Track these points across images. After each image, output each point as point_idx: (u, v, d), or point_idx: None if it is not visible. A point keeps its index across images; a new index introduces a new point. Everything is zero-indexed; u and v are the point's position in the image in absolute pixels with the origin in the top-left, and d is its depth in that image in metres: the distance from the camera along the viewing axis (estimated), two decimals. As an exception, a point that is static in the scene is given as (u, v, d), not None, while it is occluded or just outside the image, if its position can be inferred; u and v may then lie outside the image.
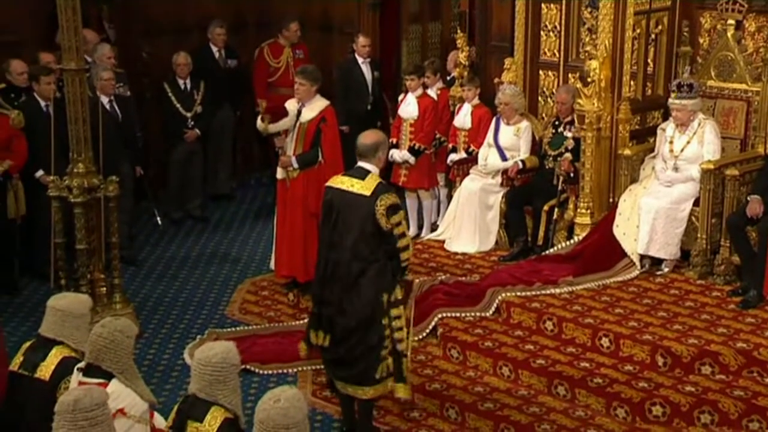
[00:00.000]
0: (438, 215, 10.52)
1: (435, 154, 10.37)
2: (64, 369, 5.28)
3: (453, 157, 10.12)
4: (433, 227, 10.36)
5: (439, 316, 8.27)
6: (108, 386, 4.92)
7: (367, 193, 6.75)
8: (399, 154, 10.16)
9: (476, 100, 10.04)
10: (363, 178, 6.82)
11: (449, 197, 10.35)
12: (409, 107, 10.21)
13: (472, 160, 9.92)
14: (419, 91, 10.19)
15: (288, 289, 9.29)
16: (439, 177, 10.52)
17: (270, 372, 8.05)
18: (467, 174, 9.85)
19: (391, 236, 6.73)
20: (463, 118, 10.04)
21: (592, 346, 7.76)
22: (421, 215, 10.50)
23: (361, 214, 6.75)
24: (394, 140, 10.19)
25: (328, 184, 7.04)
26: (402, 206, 7.04)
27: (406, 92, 10.32)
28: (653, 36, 9.26)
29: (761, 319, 7.83)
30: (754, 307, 7.99)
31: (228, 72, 11.94)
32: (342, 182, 6.92)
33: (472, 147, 9.99)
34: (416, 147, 10.12)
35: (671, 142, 8.71)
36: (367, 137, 7.00)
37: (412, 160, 10.12)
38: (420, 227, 10.43)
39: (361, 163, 6.92)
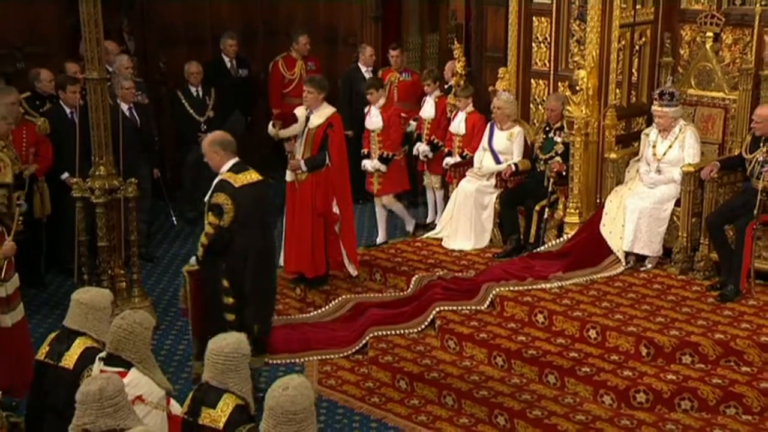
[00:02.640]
0: (436, 214, 10.52)
1: (430, 158, 10.33)
2: (86, 358, 5.29)
3: (448, 160, 10.10)
4: (427, 226, 10.35)
5: (437, 309, 8.27)
6: (127, 375, 4.93)
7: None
8: (371, 164, 9.99)
9: (470, 108, 10.01)
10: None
11: (446, 198, 10.35)
12: (373, 119, 9.99)
13: (467, 163, 9.92)
14: (381, 102, 10.04)
15: (295, 284, 9.29)
16: (434, 179, 10.49)
17: (279, 361, 8.04)
18: (464, 176, 9.86)
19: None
20: (458, 125, 10.03)
21: (580, 338, 7.76)
22: (392, 222, 10.36)
23: None
24: (366, 150, 10.07)
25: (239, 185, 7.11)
26: (221, 208, 7.04)
27: (370, 105, 10.08)
28: (637, 47, 9.26)
29: (738, 312, 7.83)
30: (732, 300, 7.99)
31: (239, 80, 11.94)
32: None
33: (466, 151, 9.97)
34: (385, 155, 9.90)
35: (654, 147, 8.71)
36: (223, 134, 7.34)
37: (383, 168, 9.92)
38: (388, 233, 10.27)
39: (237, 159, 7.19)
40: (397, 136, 10.12)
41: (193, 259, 7.27)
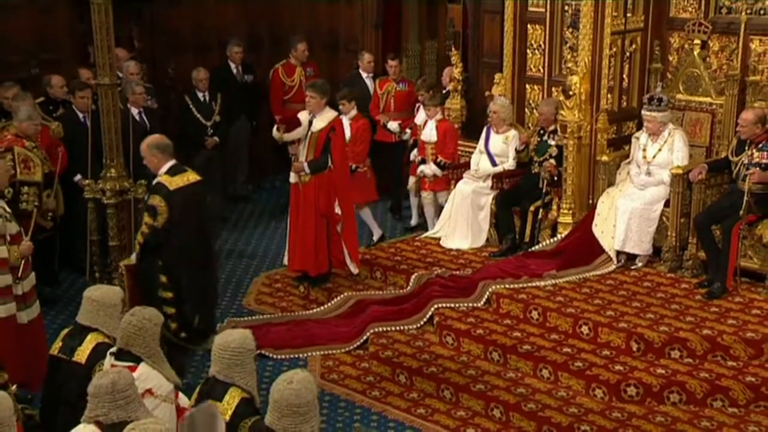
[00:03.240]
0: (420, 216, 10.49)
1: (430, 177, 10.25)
2: (98, 353, 5.32)
3: (423, 168, 10.07)
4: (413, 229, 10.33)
5: (436, 306, 8.28)
6: (137, 369, 4.95)
7: None
8: None
9: (439, 116, 9.98)
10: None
11: (419, 206, 10.32)
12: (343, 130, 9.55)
13: (462, 165, 9.87)
14: (353, 113, 9.90)
15: (299, 282, 9.31)
16: (425, 195, 10.37)
17: (283, 356, 8.07)
18: (461, 178, 9.87)
19: None
20: (429, 133, 10.01)
21: (573, 333, 7.77)
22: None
23: None
24: None
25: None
26: (156, 209, 7.19)
27: (341, 114, 9.67)
28: (628, 54, 9.26)
29: (724, 309, 7.84)
30: (718, 297, 8.00)
31: (244, 86, 11.94)
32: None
33: (440, 158, 9.94)
34: (352, 167, 9.69)
35: (644, 150, 8.72)
36: (160, 137, 7.53)
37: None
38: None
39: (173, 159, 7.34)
40: (363, 148, 9.98)
41: (133, 256, 7.45)
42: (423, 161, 10.16)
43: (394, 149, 11.03)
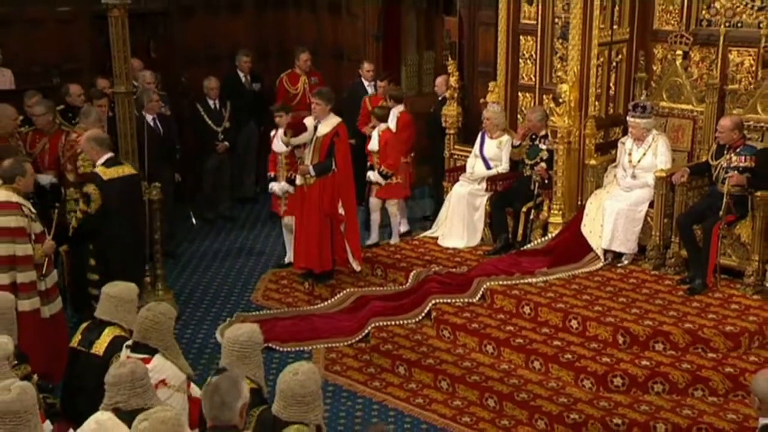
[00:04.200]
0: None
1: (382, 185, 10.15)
2: (115, 346, 5.33)
3: (369, 175, 9.99)
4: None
5: (433, 301, 8.29)
6: (151, 361, 4.96)
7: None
8: (278, 186, 9.50)
9: (383, 126, 9.87)
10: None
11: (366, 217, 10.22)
12: (280, 142, 9.40)
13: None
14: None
15: (304, 278, 9.32)
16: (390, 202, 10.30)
17: (289, 349, 8.08)
18: (457, 180, 9.88)
19: None
20: (374, 142, 9.96)
21: (563, 327, 7.78)
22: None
23: None
24: (272, 174, 9.57)
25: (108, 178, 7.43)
26: (90, 196, 7.41)
27: (276, 128, 9.56)
28: (614, 64, 9.26)
29: (705, 304, 7.85)
30: (699, 293, 8.01)
31: (253, 94, 11.94)
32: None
33: (383, 167, 9.81)
34: (293, 177, 9.33)
35: (630, 154, 8.72)
36: (99, 132, 7.83)
37: (292, 189, 9.36)
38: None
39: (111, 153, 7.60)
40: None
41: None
42: (371, 168, 10.07)
43: None
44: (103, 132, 8.42)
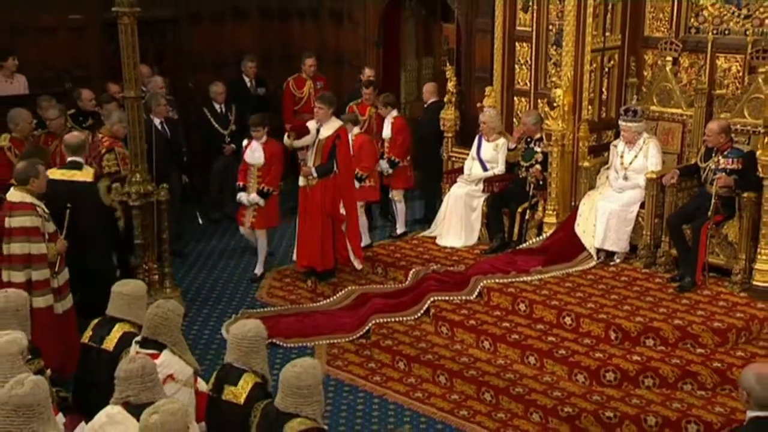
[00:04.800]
0: (406, 225, 10.45)
1: (390, 173, 10.27)
2: (125, 341, 5.35)
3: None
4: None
5: (432, 299, 8.29)
6: (159, 357, 4.98)
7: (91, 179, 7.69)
8: (247, 198, 9.33)
9: (357, 130, 9.78)
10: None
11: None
12: (255, 154, 9.33)
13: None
14: (264, 139, 9.36)
15: (307, 277, 9.31)
16: (395, 193, 10.42)
17: (292, 345, 8.08)
18: (455, 182, 9.89)
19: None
20: (352, 144, 9.73)
21: (557, 324, 7.78)
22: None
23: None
24: (241, 184, 9.40)
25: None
26: None
27: (251, 140, 9.39)
28: (607, 69, 9.26)
29: (694, 301, 7.86)
30: (689, 291, 8.01)
31: (257, 98, 11.95)
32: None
33: (358, 170, 9.67)
34: (265, 190, 9.29)
35: (622, 156, 8.73)
36: (74, 137, 7.88)
37: (262, 202, 9.30)
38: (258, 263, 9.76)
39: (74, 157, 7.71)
40: (278, 171, 9.46)
41: None
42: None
43: None
44: (124, 131, 8.44)
